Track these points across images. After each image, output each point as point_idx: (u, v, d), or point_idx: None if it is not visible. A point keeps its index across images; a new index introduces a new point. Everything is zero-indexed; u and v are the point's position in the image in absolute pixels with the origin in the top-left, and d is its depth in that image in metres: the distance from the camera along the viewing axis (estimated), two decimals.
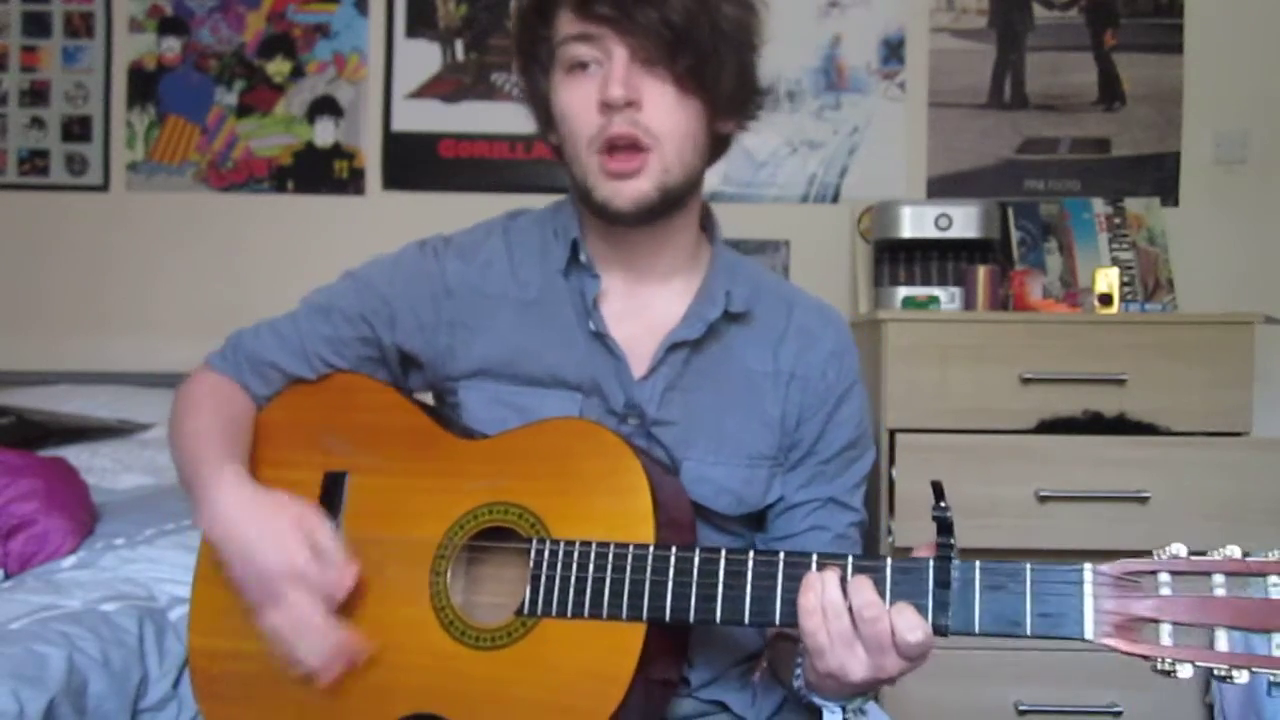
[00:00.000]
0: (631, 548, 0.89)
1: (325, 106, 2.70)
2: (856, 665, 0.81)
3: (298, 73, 2.71)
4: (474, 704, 0.90)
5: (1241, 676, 0.73)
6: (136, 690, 1.29)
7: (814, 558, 0.84)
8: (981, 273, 2.24)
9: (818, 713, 0.92)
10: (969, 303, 2.25)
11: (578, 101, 0.96)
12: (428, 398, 1.11)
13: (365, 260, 1.11)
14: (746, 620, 0.86)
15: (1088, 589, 0.77)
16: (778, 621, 0.85)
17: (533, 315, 1.04)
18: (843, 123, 2.67)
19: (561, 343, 1.03)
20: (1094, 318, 2.08)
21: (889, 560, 0.82)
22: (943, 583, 0.80)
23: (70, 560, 1.55)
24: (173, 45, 2.71)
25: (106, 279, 2.69)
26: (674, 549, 0.88)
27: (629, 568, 0.88)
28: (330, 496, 1.02)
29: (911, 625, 0.79)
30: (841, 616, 0.81)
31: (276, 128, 2.71)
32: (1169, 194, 2.62)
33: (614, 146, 0.95)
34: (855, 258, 2.60)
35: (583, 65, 0.96)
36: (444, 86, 2.70)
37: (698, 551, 0.87)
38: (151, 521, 1.69)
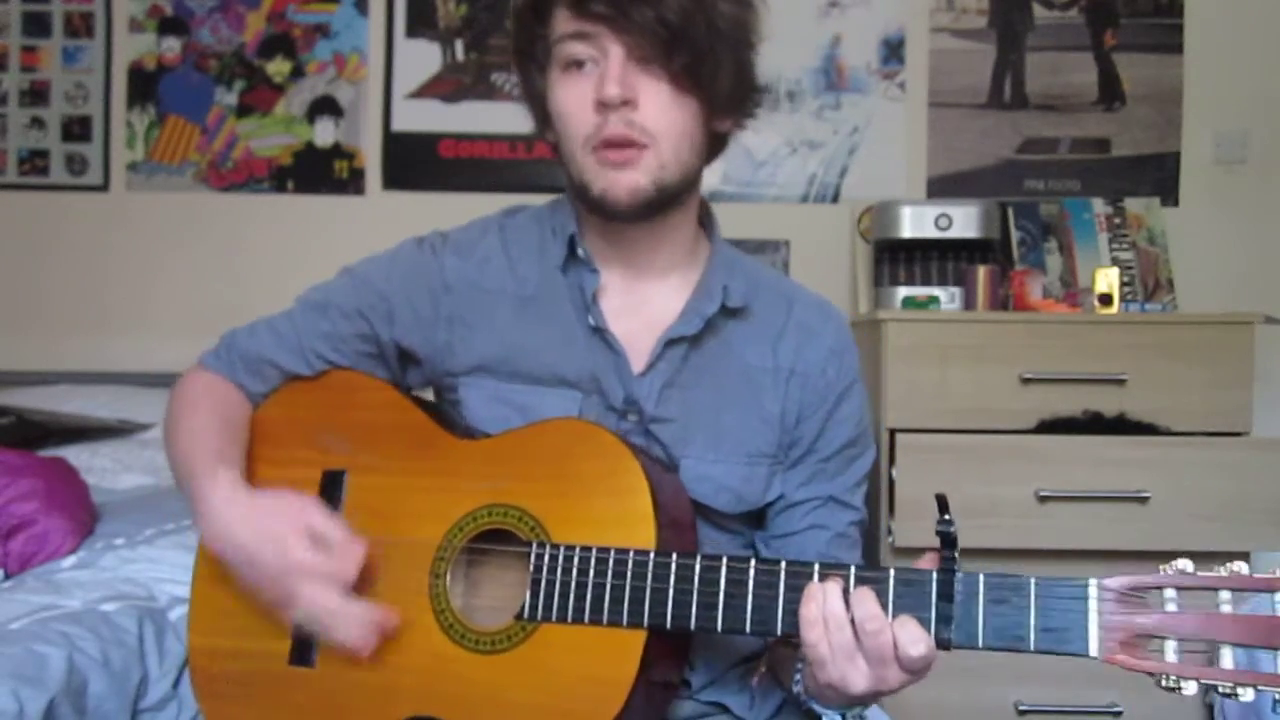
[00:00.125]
0: (632, 553, 0.88)
1: (325, 106, 2.70)
2: (858, 677, 0.81)
3: (298, 73, 2.70)
4: (473, 707, 0.90)
5: (1247, 694, 0.72)
6: (136, 690, 1.29)
7: (816, 568, 0.84)
8: (981, 273, 2.24)
9: (816, 718, 0.92)
10: (969, 303, 2.25)
11: (574, 100, 0.96)
12: (427, 394, 1.11)
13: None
14: (748, 630, 0.85)
15: (1092, 604, 0.77)
16: (779, 632, 0.84)
17: (531, 311, 1.04)
18: (843, 123, 2.66)
19: (561, 339, 1.02)
20: (1094, 318, 2.08)
21: (892, 572, 0.82)
22: (946, 596, 0.80)
23: (70, 560, 1.55)
24: (173, 45, 2.71)
25: (106, 279, 2.69)
26: (675, 556, 0.87)
27: (629, 574, 0.87)
28: (328, 495, 1.01)
29: (914, 639, 0.79)
30: (844, 628, 0.81)
31: (276, 128, 2.70)
32: (1169, 194, 2.62)
33: (610, 146, 0.94)
34: (855, 258, 2.59)
35: (579, 63, 0.95)
36: (444, 86, 2.70)
37: (699, 559, 0.87)
38: (151, 521, 1.69)
